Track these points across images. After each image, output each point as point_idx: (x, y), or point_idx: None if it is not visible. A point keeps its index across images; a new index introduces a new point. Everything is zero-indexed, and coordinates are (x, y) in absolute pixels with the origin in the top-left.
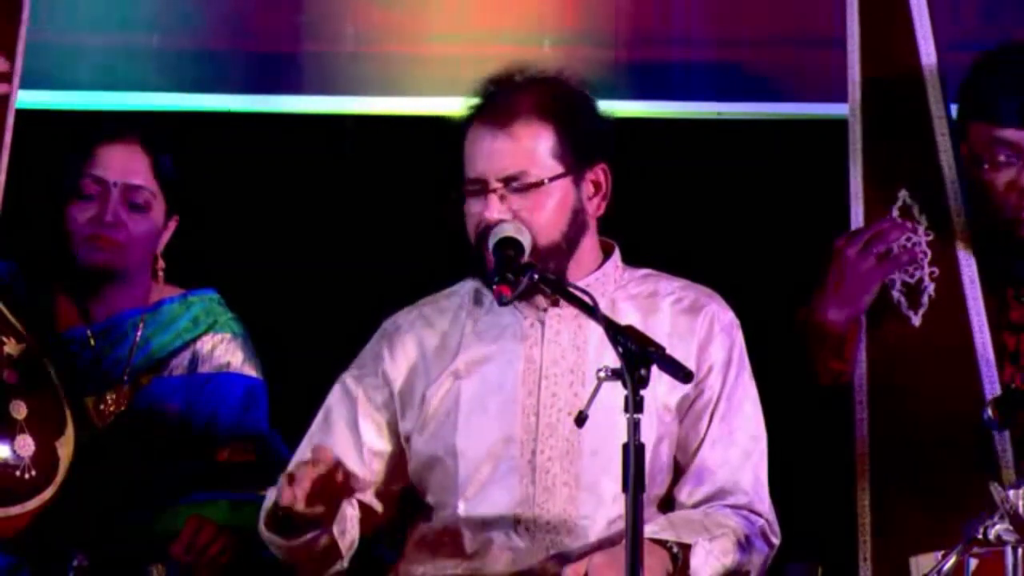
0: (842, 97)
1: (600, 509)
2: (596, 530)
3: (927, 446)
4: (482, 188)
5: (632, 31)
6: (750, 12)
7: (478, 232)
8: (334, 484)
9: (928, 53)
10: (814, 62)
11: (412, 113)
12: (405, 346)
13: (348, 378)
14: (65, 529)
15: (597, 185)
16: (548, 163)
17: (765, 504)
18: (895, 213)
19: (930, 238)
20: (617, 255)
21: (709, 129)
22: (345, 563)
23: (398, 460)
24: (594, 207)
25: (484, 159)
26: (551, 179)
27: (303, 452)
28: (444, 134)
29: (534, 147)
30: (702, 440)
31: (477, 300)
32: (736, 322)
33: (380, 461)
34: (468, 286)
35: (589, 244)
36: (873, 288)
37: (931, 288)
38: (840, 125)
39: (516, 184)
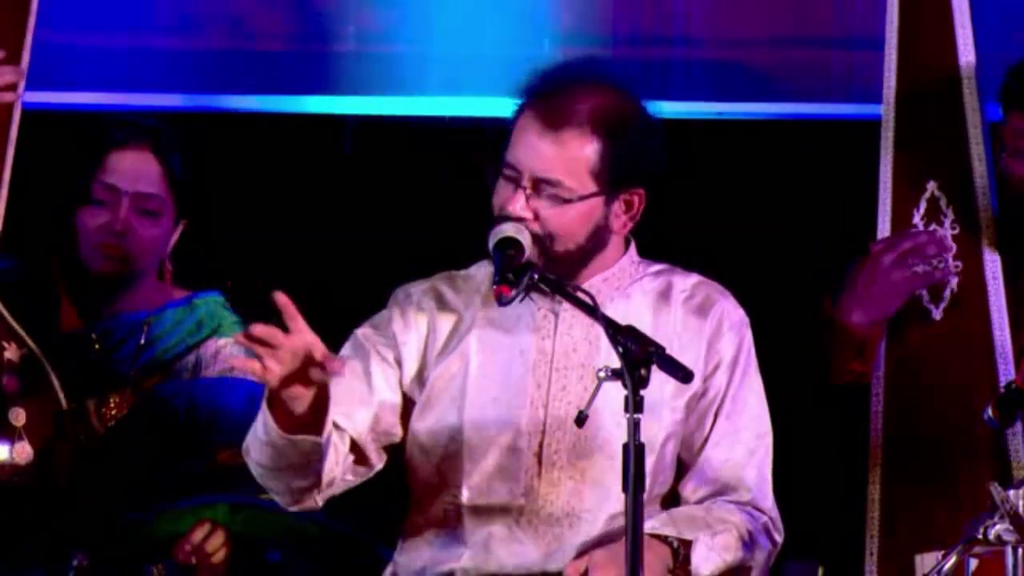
0: (842, 97)
1: (604, 504)
2: (598, 524)
3: (941, 441)
4: (514, 177)
5: (632, 31)
6: (750, 12)
7: (495, 214)
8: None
9: (967, 52)
10: (814, 62)
11: (414, 113)
12: (417, 317)
13: (359, 333)
14: (65, 529)
15: (629, 205)
16: (584, 179)
17: (768, 501)
18: (922, 205)
19: (955, 232)
20: (633, 249)
21: (709, 129)
22: (320, 501)
23: (405, 415)
24: (620, 224)
25: (525, 152)
26: (582, 197)
27: None
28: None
29: (576, 159)
30: (707, 437)
31: (491, 285)
32: (746, 320)
33: (389, 411)
34: (485, 270)
35: (610, 245)
36: (903, 298)
37: (954, 282)
38: (840, 125)
39: (548, 190)
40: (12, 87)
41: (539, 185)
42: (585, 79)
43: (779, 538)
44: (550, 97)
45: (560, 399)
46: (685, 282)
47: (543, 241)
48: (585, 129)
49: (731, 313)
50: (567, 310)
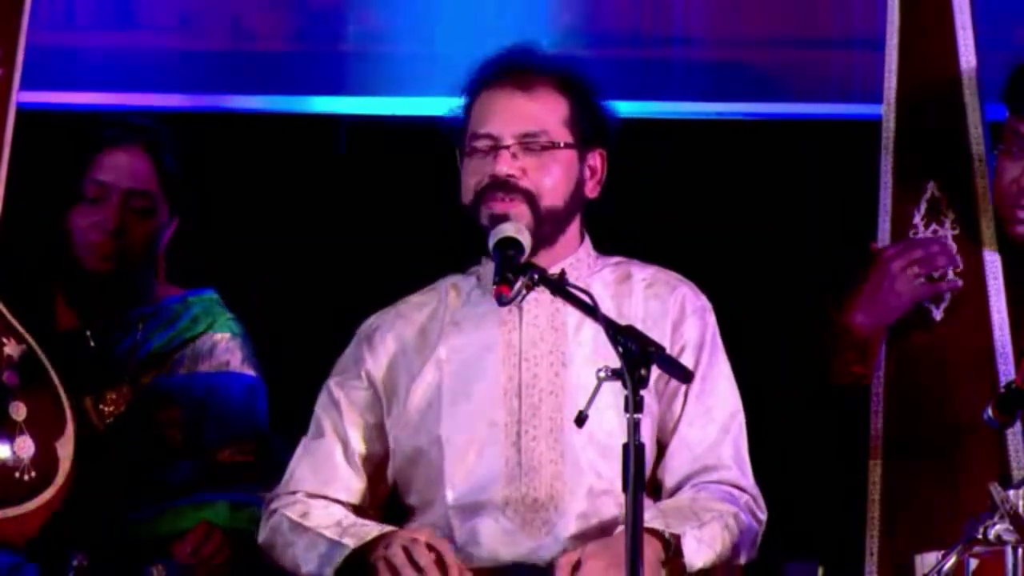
0: (842, 97)
1: (582, 479)
2: (580, 502)
3: (940, 442)
4: (493, 145)
5: (631, 30)
6: (750, 12)
7: (479, 190)
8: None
9: (967, 53)
10: (814, 62)
11: (414, 113)
12: (385, 344)
13: (331, 384)
14: (65, 529)
15: (593, 169)
16: (561, 129)
17: (748, 479)
18: (922, 205)
19: (955, 232)
20: (588, 242)
21: (709, 129)
22: None
23: (386, 463)
24: (589, 189)
25: (501, 117)
26: (565, 144)
27: (301, 460)
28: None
29: (552, 110)
30: (679, 419)
31: (455, 293)
32: (708, 306)
33: (370, 464)
34: (445, 282)
35: (574, 227)
36: (906, 307)
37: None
38: (840, 125)
39: (532, 142)
40: (3, 61)
41: (523, 139)
42: (536, 57)
43: (762, 516)
44: (509, 68)
45: (532, 387)
46: (644, 271)
47: (533, 199)
48: (552, 87)
49: (692, 299)
50: (529, 301)
